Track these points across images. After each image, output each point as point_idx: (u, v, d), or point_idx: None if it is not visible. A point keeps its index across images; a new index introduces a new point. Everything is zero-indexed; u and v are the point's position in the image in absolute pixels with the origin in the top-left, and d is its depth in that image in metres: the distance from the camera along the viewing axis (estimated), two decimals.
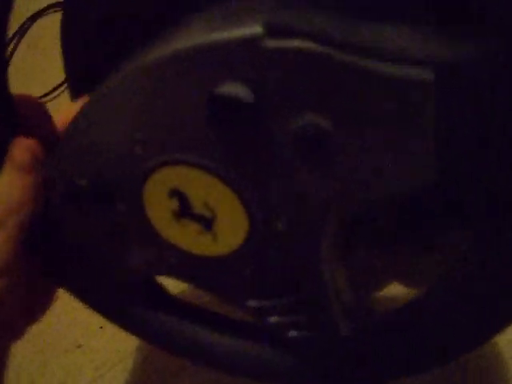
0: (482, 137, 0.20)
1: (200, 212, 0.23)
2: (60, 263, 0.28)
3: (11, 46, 0.66)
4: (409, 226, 0.26)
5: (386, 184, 0.20)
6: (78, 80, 0.29)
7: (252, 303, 0.25)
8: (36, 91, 0.59)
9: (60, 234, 0.26)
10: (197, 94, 0.20)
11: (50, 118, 0.26)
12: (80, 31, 0.27)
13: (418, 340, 0.26)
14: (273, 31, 0.19)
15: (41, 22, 0.68)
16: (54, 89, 0.61)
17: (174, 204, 0.23)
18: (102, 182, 0.24)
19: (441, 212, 0.24)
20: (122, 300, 0.29)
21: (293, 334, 0.26)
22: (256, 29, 0.19)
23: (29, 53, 0.65)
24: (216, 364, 0.29)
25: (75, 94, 0.29)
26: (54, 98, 0.61)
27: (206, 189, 0.22)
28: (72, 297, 0.29)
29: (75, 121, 0.23)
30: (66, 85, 0.56)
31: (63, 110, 0.27)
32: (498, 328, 0.24)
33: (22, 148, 0.24)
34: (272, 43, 0.19)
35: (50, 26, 0.28)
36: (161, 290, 0.30)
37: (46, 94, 0.60)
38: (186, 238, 0.24)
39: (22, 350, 0.44)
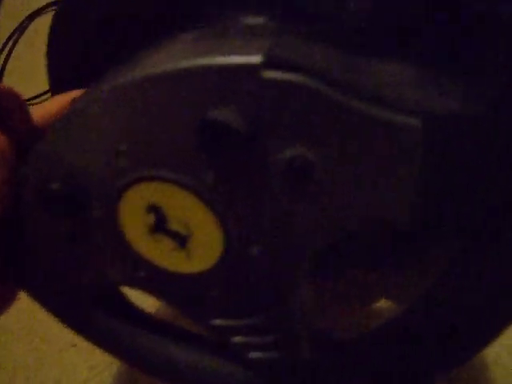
0: (462, 186, 0.20)
1: (176, 229, 0.23)
2: (21, 265, 0.27)
3: (9, 44, 0.66)
4: (388, 247, 0.27)
5: (364, 219, 0.21)
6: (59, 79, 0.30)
7: (217, 322, 0.25)
8: (33, 89, 0.59)
9: (25, 235, 0.26)
10: (187, 115, 0.20)
11: (27, 112, 0.25)
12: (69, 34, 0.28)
13: (385, 365, 0.26)
14: (272, 63, 0.19)
15: (39, 21, 0.68)
16: None
17: (151, 218, 0.23)
18: (75, 187, 0.23)
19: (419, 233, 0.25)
20: (84, 310, 0.28)
21: (255, 354, 0.26)
22: (256, 58, 0.19)
23: (26, 51, 0.65)
24: (180, 381, 0.29)
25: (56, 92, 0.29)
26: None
27: (186, 207, 0.23)
28: None
29: (56, 123, 0.23)
30: None
31: (45, 104, 0.27)
32: (476, 352, 0.24)
33: None
34: (270, 74, 0.19)
35: (48, 25, 0.28)
36: (126, 301, 0.30)
37: (44, 93, 0.60)
38: (158, 253, 0.24)
39: (17, 349, 0.44)
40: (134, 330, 0.29)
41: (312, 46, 0.21)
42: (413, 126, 0.19)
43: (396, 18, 0.22)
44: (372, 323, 0.27)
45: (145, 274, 0.25)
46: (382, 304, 0.32)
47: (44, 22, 0.67)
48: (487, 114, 0.19)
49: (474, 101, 0.19)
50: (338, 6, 0.22)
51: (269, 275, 0.24)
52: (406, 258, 0.29)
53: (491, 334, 0.23)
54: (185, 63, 0.20)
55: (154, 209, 0.23)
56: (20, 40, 0.67)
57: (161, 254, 0.24)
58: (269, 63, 0.19)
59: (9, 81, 0.64)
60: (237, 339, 0.26)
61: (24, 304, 0.28)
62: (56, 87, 0.31)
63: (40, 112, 0.26)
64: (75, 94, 0.26)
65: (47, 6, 0.69)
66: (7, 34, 0.67)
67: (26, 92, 0.60)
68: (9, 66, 0.65)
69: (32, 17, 0.69)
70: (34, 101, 0.60)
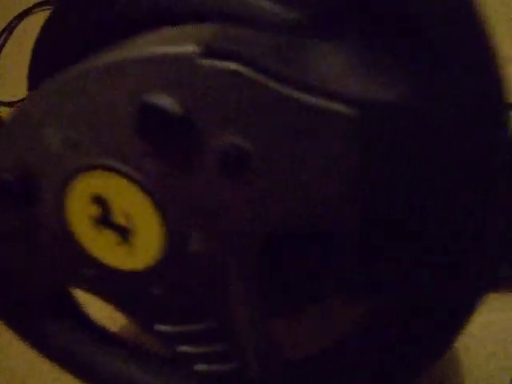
0: (400, 180, 0.20)
1: (119, 221, 0.23)
2: None
3: None
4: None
5: (303, 210, 0.21)
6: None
7: (160, 328, 0.25)
8: (22, 90, 0.58)
9: None
10: (127, 103, 0.21)
11: None
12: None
13: None
14: (208, 51, 0.20)
15: (27, 21, 0.67)
16: None
17: (95, 210, 0.23)
18: (27, 178, 0.23)
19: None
20: (35, 320, 0.28)
21: (200, 367, 0.26)
22: (192, 47, 0.20)
23: (14, 51, 0.64)
24: None
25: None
26: None
27: (128, 198, 0.23)
28: None
29: (13, 113, 0.23)
30: None
31: None
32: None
33: None
34: (206, 62, 0.20)
35: (37, 25, 0.28)
36: (76, 306, 0.29)
37: None
38: (103, 248, 0.24)
39: (12, 352, 0.43)
40: (90, 345, 0.29)
41: (250, 36, 0.21)
42: (348, 114, 0.19)
43: (333, 7, 0.22)
44: (331, 336, 0.26)
45: (91, 273, 0.25)
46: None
47: (33, 22, 0.66)
48: (423, 104, 0.19)
49: (411, 91, 0.19)
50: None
51: (210, 276, 0.23)
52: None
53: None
54: (125, 53, 0.21)
55: (98, 200, 0.23)
56: (8, 40, 0.67)
57: (105, 249, 0.24)
58: (205, 52, 0.20)
59: None
60: (182, 349, 0.25)
61: None
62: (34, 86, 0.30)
63: None
64: None
65: (35, 6, 0.68)
66: None
67: (14, 92, 0.59)
68: None
69: (21, 17, 0.68)
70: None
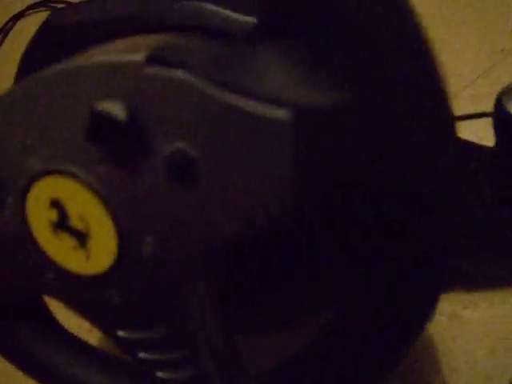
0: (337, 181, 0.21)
1: (76, 226, 0.24)
2: None
3: None
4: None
5: (250, 217, 0.21)
6: None
7: (120, 333, 0.25)
8: None
9: None
10: (80, 109, 0.22)
11: None
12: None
13: None
14: (153, 59, 0.20)
15: (20, 24, 0.67)
16: None
17: (54, 215, 0.24)
18: None
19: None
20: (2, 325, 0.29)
21: (161, 374, 0.26)
22: (138, 55, 0.21)
23: (10, 52, 0.64)
24: None
25: None
26: None
27: (83, 202, 0.23)
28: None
29: None
30: None
31: None
32: None
33: None
34: (151, 70, 0.20)
35: (29, 28, 0.28)
36: (46, 313, 0.30)
37: None
38: (61, 252, 0.25)
39: None
40: (55, 350, 0.29)
41: (198, 44, 0.22)
42: (282, 118, 0.19)
43: (281, 11, 0.22)
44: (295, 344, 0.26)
45: (51, 277, 0.25)
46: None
47: (24, 26, 0.66)
48: (355, 108, 0.19)
49: (344, 96, 0.20)
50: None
51: (166, 282, 0.24)
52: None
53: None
54: (76, 62, 0.22)
55: (56, 204, 0.24)
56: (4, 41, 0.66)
57: (63, 253, 0.25)
58: (150, 60, 0.20)
59: None
60: (143, 355, 0.26)
61: None
62: None
63: None
64: None
65: (28, 8, 0.68)
66: None
67: None
68: None
69: (17, 17, 0.68)
70: None
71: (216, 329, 0.25)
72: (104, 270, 0.24)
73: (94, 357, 0.29)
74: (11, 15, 0.67)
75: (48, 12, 0.39)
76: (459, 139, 0.20)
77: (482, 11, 0.57)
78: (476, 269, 0.41)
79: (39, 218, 0.24)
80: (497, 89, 0.37)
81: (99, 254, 0.24)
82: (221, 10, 0.24)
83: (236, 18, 0.24)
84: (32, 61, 0.30)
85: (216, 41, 0.23)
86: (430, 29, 0.20)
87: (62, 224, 0.24)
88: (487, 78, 0.53)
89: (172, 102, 0.20)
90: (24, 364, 0.30)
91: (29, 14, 0.68)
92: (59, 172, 0.23)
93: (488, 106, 0.37)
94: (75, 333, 0.30)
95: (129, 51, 0.21)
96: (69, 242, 0.24)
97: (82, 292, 0.25)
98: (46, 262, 0.25)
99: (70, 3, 0.63)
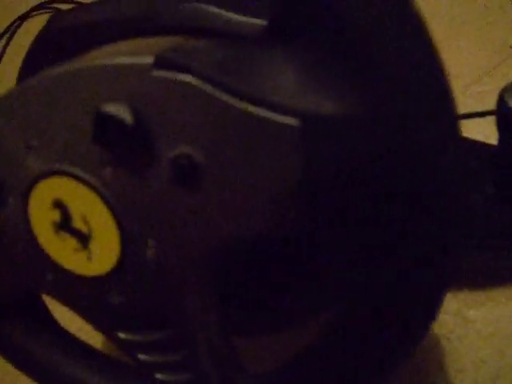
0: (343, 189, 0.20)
1: (78, 227, 0.24)
2: None
3: None
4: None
5: (255, 222, 0.21)
6: None
7: (121, 335, 0.25)
8: None
9: None
10: (85, 110, 0.22)
11: None
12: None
13: None
14: (162, 63, 0.20)
15: (25, 25, 0.67)
16: None
17: (56, 215, 0.24)
18: None
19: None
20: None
21: (161, 376, 0.26)
22: (147, 58, 0.21)
23: (15, 53, 0.65)
24: None
25: None
26: None
27: (87, 204, 0.23)
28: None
29: None
30: None
31: None
32: None
33: None
34: (159, 73, 0.20)
35: (34, 29, 0.28)
36: (44, 310, 0.30)
37: None
38: (63, 253, 0.25)
39: None
40: (53, 349, 0.29)
41: (207, 48, 0.22)
42: (291, 124, 0.19)
43: (292, 14, 0.22)
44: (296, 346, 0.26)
45: (54, 278, 0.25)
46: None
47: (33, 25, 0.66)
48: (361, 115, 0.19)
49: (353, 103, 0.19)
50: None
51: (167, 284, 0.24)
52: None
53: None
54: (83, 63, 0.22)
55: (59, 205, 0.24)
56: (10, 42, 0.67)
57: (65, 254, 0.25)
58: (158, 63, 0.20)
59: None
60: (143, 357, 0.26)
61: None
62: None
63: None
64: None
65: (32, 10, 0.68)
66: None
67: None
68: None
69: (22, 19, 0.68)
70: None
71: (216, 329, 0.25)
72: (106, 272, 0.24)
73: (93, 358, 0.29)
74: (16, 17, 0.68)
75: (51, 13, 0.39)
76: (462, 138, 0.20)
77: (487, 8, 0.57)
78: (477, 268, 0.41)
79: (41, 218, 0.24)
80: (503, 86, 0.36)
81: (101, 256, 0.24)
82: (229, 12, 0.24)
83: (245, 20, 0.24)
84: (34, 62, 0.30)
85: (224, 44, 0.23)
86: (434, 27, 0.20)
87: (64, 225, 0.24)
88: (493, 75, 0.53)
89: (179, 105, 0.20)
90: (23, 364, 0.30)
91: (34, 16, 0.68)
92: (63, 173, 0.23)
93: (494, 103, 0.37)
94: (75, 334, 0.31)
95: (136, 54, 0.21)
96: (71, 242, 0.24)
97: (82, 293, 0.25)
98: (47, 263, 0.25)
99: (74, 4, 0.63)
